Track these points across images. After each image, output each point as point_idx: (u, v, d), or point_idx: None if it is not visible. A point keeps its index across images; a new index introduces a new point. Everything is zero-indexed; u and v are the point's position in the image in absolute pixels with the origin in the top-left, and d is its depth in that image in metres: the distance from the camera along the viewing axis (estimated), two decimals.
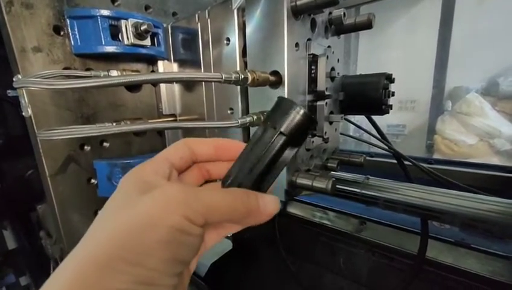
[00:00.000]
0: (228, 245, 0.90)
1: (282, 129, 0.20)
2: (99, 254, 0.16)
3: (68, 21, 0.46)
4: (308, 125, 0.21)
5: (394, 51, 2.25)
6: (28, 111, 0.44)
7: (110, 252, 0.16)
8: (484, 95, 1.88)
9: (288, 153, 0.22)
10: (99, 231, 0.18)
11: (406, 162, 0.56)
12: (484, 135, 1.81)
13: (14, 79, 0.38)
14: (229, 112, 0.48)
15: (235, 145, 0.25)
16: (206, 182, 0.28)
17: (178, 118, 0.61)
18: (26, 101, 0.43)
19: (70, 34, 0.47)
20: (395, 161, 0.57)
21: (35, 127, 0.44)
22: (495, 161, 1.76)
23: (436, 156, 1.95)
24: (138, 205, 0.18)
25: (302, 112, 0.21)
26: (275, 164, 0.22)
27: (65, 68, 0.47)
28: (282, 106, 0.21)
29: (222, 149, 0.25)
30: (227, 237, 0.95)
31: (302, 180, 0.41)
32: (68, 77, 0.45)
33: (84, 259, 0.16)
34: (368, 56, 2.35)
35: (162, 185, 0.19)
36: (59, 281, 0.16)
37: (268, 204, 0.22)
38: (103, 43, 0.47)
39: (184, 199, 0.18)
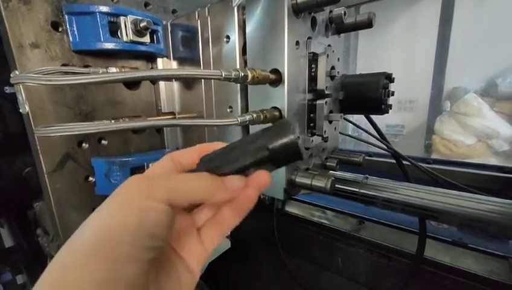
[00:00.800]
0: (227, 244, 0.90)
1: (269, 146, 0.22)
2: (76, 253, 0.18)
3: (66, 17, 0.46)
4: (293, 156, 0.23)
5: (393, 51, 2.26)
6: (25, 108, 0.43)
7: (84, 250, 0.18)
8: (483, 95, 1.89)
9: (266, 167, 0.23)
10: (77, 237, 0.20)
11: (405, 162, 0.56)
12: (482, 135, 1.82)
13: (11, 75, 0.38)
14: (228, 110, 0.48)
15: (218, 147, 0.26)
16: None
17: (177, 116, 0.61)
18: (24, 97, 0.42)
19: (69, 30, 0.46)
20: (393, 161, 0.57)
21: (32, 124, 0.44)
22: (493, 161, 1.77)
23: (434, 156, 1.95)
24: (108, 202, 0.20)
25: (295, 142, 0.22)
26: (249, 169, 0.23)
27: (63, 65, 0.47)
28: (284, 128, 0.23)
29: (206, 152, 0.26)
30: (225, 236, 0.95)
31: (301, 179, 0.41)
32: (66, 73, 0.45)
33: (64, 261, 0.18)
34: (367, 56, 2.35)
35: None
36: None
37: (232, 180, 0.24)
38: (102, 39, 0.46)
39: (147, 184, 0.21)
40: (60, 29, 0.46)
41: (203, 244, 0.27)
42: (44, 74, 0.39)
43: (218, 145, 0.26)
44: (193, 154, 0.26)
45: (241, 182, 0.24)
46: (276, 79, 0.39)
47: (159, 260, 0.24)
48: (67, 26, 0.46)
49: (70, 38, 0.47)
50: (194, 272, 0.26)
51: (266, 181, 0.24)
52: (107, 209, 0.20)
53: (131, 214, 0.19)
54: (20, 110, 0.44)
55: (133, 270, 0.18)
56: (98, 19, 0.45)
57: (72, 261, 0.18)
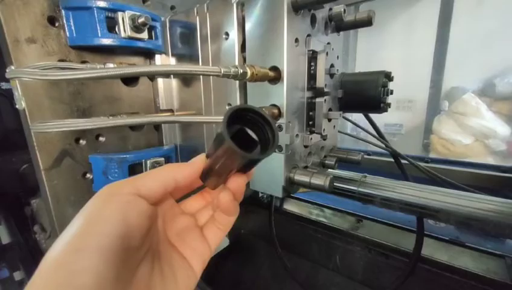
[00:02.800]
0: (225, 242, 0.90)
1: (218, 130, 0.23)
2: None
3: (63, 12, 0.45)
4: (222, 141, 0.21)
5: (392, 50, 2.26)
6: (21, 103, 0.43)
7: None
8: (480, 95, 1.89)
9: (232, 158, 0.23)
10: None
11: (403, 161, 0.56)
12: (480, 135, 1.83)
13: (6, 70, 0.37)
14: (227, 107, 0.48)
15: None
16: None
17: (175, 113, 0.61)
18: (20, 93, 0.42)
19: (66, 25, 0.46)
20: (392, 160, 0.57)
21: (29, 120, 0.43)
22: (490, 160, 1.78)
23: (432, 155, 1.96)
24: (86, 204, 0.22)
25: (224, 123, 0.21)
26: (214, 157, 0.24)
27: (60, 60, 0.46)
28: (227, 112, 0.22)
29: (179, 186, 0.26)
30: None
31: (300, 177, 0.41)
32: (63, 69, 0.44)
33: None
34: (367, 55, 2.35)
35: None
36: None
37: (196, 159, 0.26)
38: (99, 35, 0.46)
39: (116, 184, 0.23)
40: (57, 24, 0.45)
41: (207, 242, 0.27)
42: (41, 69, 0.38)
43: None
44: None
45: (201, 159, 0.26)
46: (275, 76, 0.38)
47: (159, 259, 0.24)
48: (64, 21, 0.46)
49: (67, 33, 0.46)
50: (195, 271, 0.26)
51: (240, 183, 0.25)
52: (86, 207, 0.22)
53: (107, 205, 0.21)
54: (17, 106, 0.44)
55: (103, 263, 0.18)
56: (96, 14, 0.44)
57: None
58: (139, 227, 0.22)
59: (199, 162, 0.26)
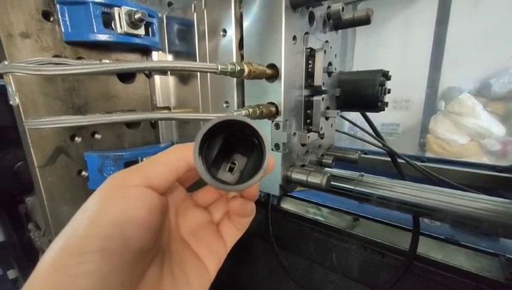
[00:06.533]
0: None
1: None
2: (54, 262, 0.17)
3: (58, 6, 0.44)
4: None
5: (390, 50, 2.26)
6: (15, 99, 0.42)
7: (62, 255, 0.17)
8: (476, 95, 1.91)
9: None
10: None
11: (400, 160, 0.57)
12: (475, 135, 1.84)
13: None
14: (224, 105, 0.48)
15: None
16: None
17: (172, 111, 0.60)
18: (14, 89, 0.41)
19: (61, 20, 0.45)
20: (389, 159, 0.58)
21: (23, 116, 0.43)
22: (485, 160, 1.80)
23: (428, 154, 1.98)
24: (88, 199, 0.20)
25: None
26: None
27: (55, 56, 0.46)
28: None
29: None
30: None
31: (297, 175, 0.41)
32: (58, 65, 0.43)
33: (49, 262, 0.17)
34: (364, 54, 2.35)
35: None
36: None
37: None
38: (95, 30, 0.45)
39: (121, 174, 0.21)
40: (52, 19, 0.45)
41: (223, 239, 0.25)
42: (34, 65, 0.38)
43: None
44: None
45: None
46: (273, 74, 0.38)
47: (169, 259, 0.22)
48: (59, 16, 0.45)
49: (62, 28, 0.45)
50: (210, 271, 0.24)
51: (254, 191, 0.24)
52: (88, 204, 0.19)
53: (111, 203, 0.19)
54: (11, 102, 0.43)
55: (108, 267, 0.17)
56: (91, 9, 0.44)
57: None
58: (149, 226, 0.19)
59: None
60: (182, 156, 0.21)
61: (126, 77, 0.57)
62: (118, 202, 0.19)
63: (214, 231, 0.25)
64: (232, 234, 0.26)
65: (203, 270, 0.23)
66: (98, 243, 0.17)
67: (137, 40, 0.50)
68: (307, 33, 0.41)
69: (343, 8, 0.43)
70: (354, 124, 0.65)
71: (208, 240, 0.24)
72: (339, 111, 0.48)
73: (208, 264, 0.24)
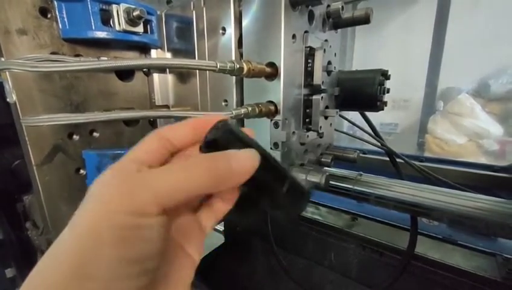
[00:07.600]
0: (220, 239, 0.90)
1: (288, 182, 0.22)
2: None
3: (56, 3, 0.44)
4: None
5: (389, 50, 2.27)
6: (12, 97, 0.42)
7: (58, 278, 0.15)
8: (475, 96, 1.91)
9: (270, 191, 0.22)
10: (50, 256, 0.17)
11: (398, 160, 0.57)
12: (473, 135, 1.85)
13: None
14: (223, 103, 0.47)
15: (216, 120, 0.21)
16: None
17: (171, 109, 0.60)
18: (11, 86, 0.41)
19: (58, 17, 0.45)
20: (387, 158, 0.58)
21: (20, 114, 0.42)
22: (483, 160, 1.81)
23: (426, 154, 1.98)
24: (78, 218, 0.17)
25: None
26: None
27: (53, 53, 0.45)
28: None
29: (202, 129, 0.20)
30: (218, 231, 0.95)
31: (296, 174, 0.41)
32: (55, 61, 0.43)
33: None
34: (363, 54, 2.36)
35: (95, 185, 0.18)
36: None
37: (243, 161, 0.18)
38: (93, 28, 0.45)
39: (127, 191, 0.16)
40: (49, 16, 0.44)
41: (200, 225, 0.23)
42: (31, 61, 0.38)
43: (217, 118, 0.21)
44: (186, 129, 0.21)
45: (253, 160, 0.18)
46: (272, 72, 0.38)
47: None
48: (57, 13, 0.44)
49: (60, 25, 0.45)
50: (191, 255, 0.22)
51: (254, 164, 0.19)
52: (79, 221, 0.16)
53: (110, 235, 0.15)
54: (8, 100, 0.43)
55: None
56: (89, 6, 0.43)
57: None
58: (161, 250, 0.17)
59: (251, 164, 0.19)
60: (217, 174, 0.18)
61: (124, 74, 0.57)
62: (133, 247, 0.16)
63: (191, 218, 0.23)
64: (210, 221, 0.24)
65: (188, 256, 0.22)
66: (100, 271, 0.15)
67: (135, 38, 0.50)
68: (306, 32, 0.41)
69: (342, 7, 0.43)
70: (353, 124, 0.65)
71: (189, 229, 0.23)
72: (338, 110, 0.48)
73: (189, 250, 0.22)
